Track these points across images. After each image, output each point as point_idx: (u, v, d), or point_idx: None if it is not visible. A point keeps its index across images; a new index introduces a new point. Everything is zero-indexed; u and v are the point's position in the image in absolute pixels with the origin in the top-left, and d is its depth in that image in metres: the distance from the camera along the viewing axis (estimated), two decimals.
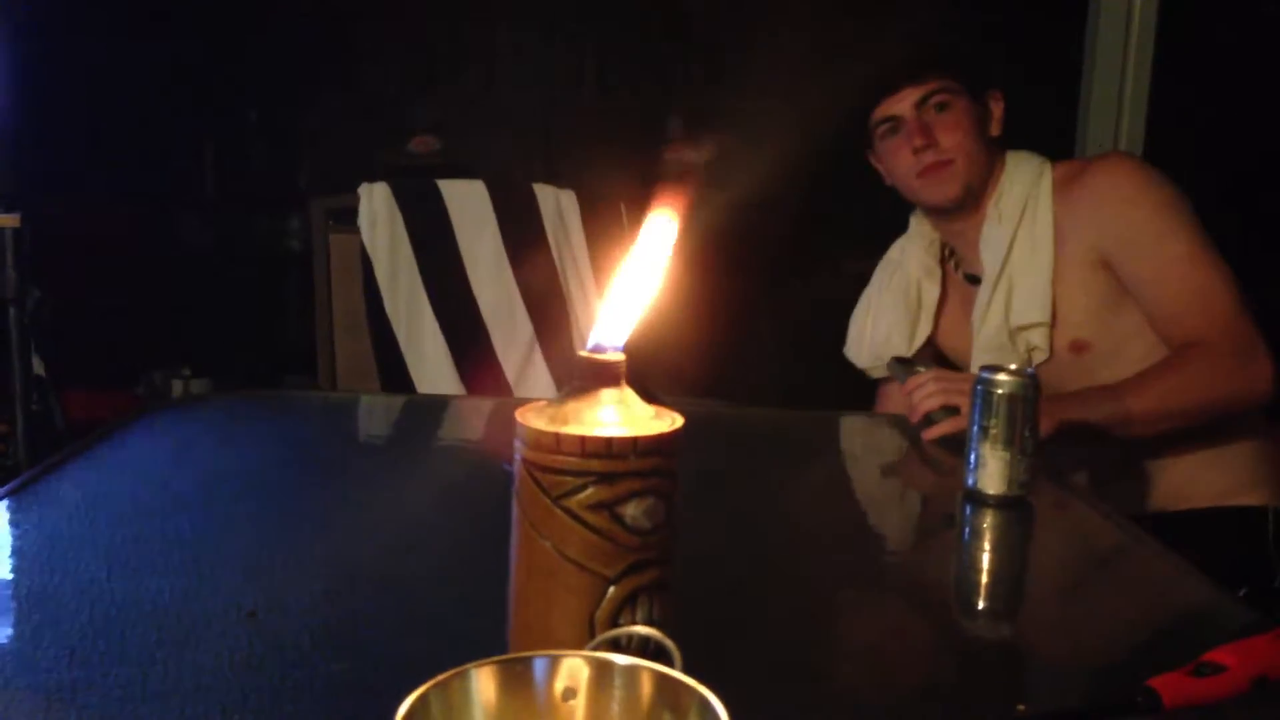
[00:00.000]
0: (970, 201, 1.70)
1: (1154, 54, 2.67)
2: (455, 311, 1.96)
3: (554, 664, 0.59)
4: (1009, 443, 1.17)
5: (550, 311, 1.97)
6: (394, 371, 1.94)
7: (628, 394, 0.65)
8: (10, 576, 1.01)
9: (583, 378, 0.64)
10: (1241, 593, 1.47)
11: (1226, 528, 1.61)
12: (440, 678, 0.56)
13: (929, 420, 1.43)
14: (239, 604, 0.89)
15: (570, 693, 0.58)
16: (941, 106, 1.67)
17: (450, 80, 2.91)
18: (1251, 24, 2.67)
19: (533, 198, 2.02)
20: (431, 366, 1.94)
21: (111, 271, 2.82)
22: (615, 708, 0.58)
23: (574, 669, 0.59)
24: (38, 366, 2.53)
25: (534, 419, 0.64)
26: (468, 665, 0.56)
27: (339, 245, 2.03)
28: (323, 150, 2.85)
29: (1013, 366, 1.20)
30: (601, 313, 0.66)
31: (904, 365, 1.61)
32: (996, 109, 1.73)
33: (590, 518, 0.63)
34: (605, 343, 0.65)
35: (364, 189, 1.98)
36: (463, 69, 2.90)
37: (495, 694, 0.57)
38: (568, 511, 0.63)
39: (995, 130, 1.73)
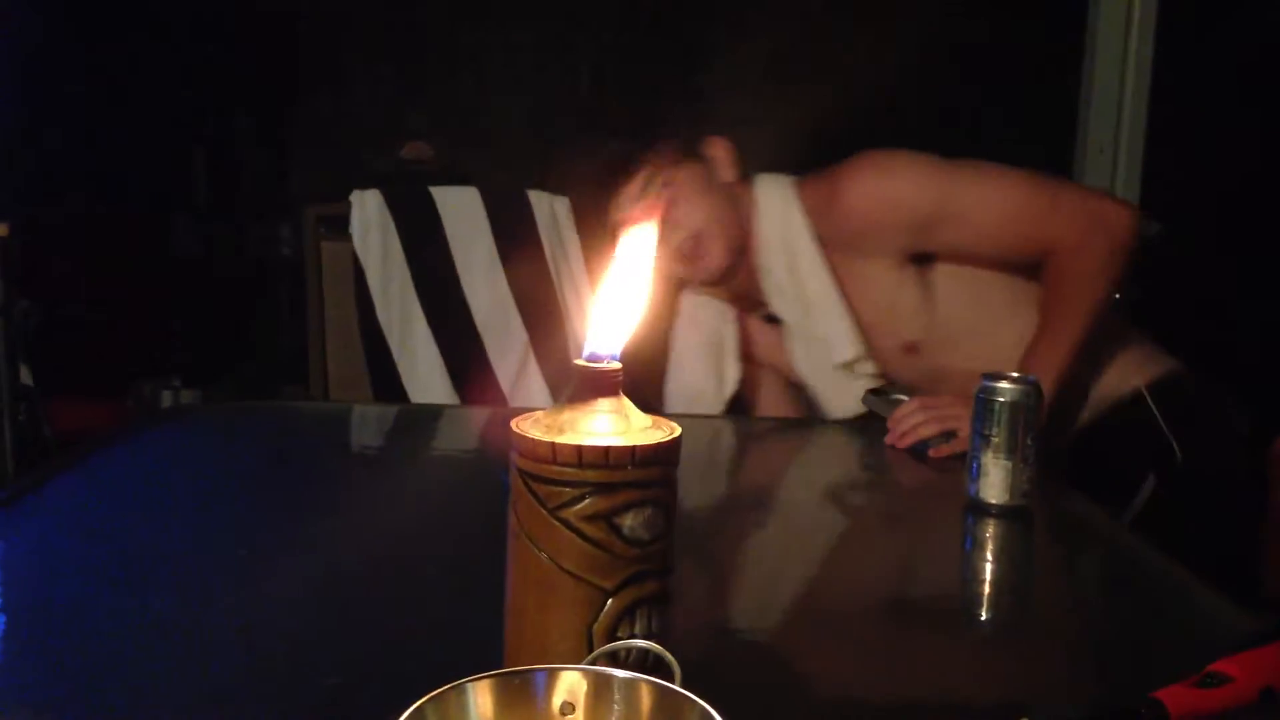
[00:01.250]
0: (735, 259, 1.64)
1: (1153, 49, 2.67)
2: (449, 319, 1.94)
3: (552, 677, 0.58)
4: (1011, 451, 1.16)
5: (545, 319, 1.95)
6: (387, 380, 1.92)
7: (625, 403, 0.64)
8: None
9: (579, 387, 0.63)
10: (1150, 480, 1.46)
11: (1117, 432, 1.58)
12: (436, 692, 0.54)
13: (924, 444, 1.42)
14: (231, 617, 0.87)
15: (569, 707, 0.57)
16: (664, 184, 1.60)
17: (442, 85, 2.90)
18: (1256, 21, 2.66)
19: (527, 204, 2.01)
20: (425, 375, 1.92)
21: (100, 280, 2.81)
22: None
23: (572, 683, 0.58)
24: (25, 376, 2.51)
25: (530, 428, 0.63)
26: (464, 680, 0.55)
27: (330, 253, 2.02)
28: (313, 157, 2.84)
29: (1014, 374, 1.19)
30: (595, 321, 0.65)
31: (880, 396, 1.59)
32: (717, 152, 1.66)
33: (588, 529, 0.61)
34: (601, 352, 0.64)
35: (356, 196, 1.97)
36: (455, 74, 2.89)
37: (492, 708, 0.56)
38: (565, 523, 0.62)
39: (728, 175, 1.66)
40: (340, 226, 1.98)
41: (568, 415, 0.63)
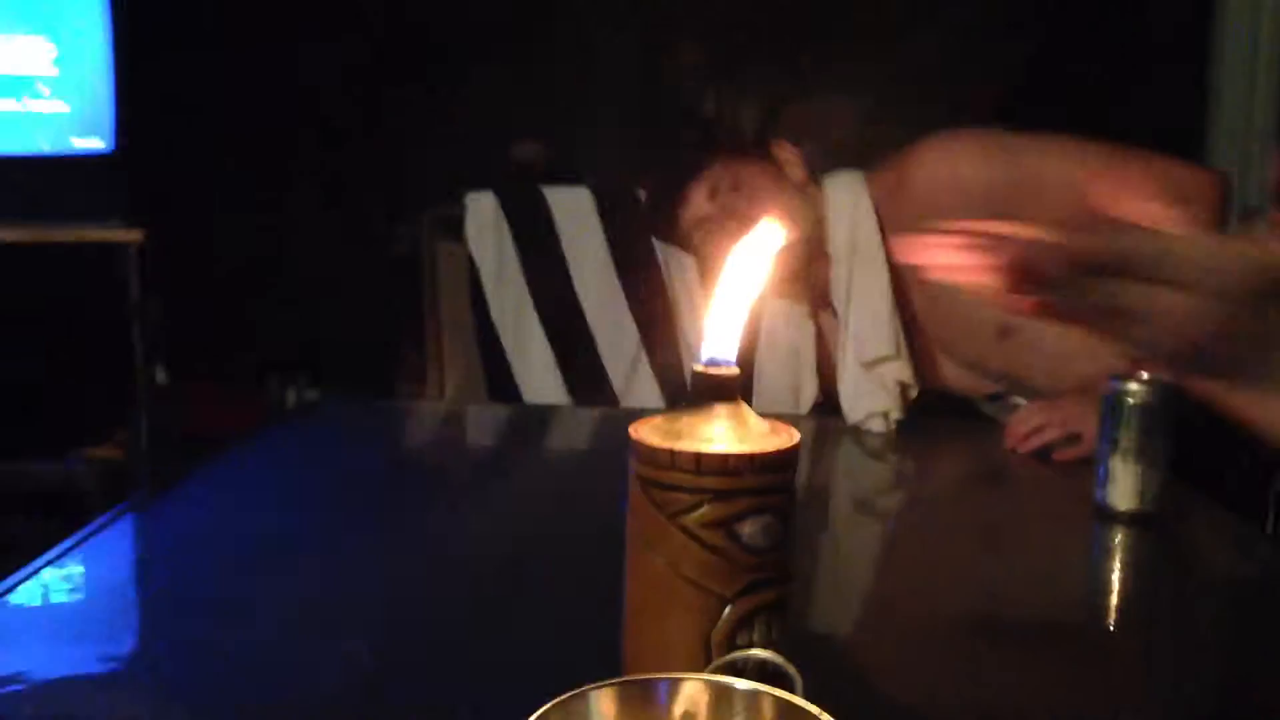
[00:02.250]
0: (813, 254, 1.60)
1: None
2: (561, 319, 1.96)
3: (674, 687, 0.58)
4: (1140, 455, 1.11)
5: (657, 318, 1.95)
6: (501, 380, 1.95)
7: (743, 409, 0.63)
8: (135, 581, 1.04)
9: (697, 392, 0.63)
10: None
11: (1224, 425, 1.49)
12: (560, 699, 0.55)
13: (1047, 449, 1.37)
14: (363, 613, 0.90)
15: (690, 717, 0.57)
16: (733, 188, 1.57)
17: (551, 84, 2.92)
18: None
19: (637, 203, 2.01)
20: (538, 375, 1.94)
21: (227, 281, 2.91)
22: None
23: (693, 693, 0.57)
24: (160, 376, 2.62)
25: (649, 435, 0.63)
26: (587, 686, 0.55)
27: (446, 254, 2.05)
28: (424, 156, 2.90)
29: (1145, 375, 1.14)
30: (711, 325, 0.64)
31: (997, 401, 1.54)
32: (785, 154, 1.63)
33: (706, 536, 0.61)
34: (719, 357, 0.64)
35: (470, 199, 2.00)
36: (564, 72, 2.92)
37: (615, 716, 0.56)
38: (683, 529, 0.61)
39: (797, 175, 1.62)
40: (455, 228, 2.01)
41: (686, 421, 0.63)
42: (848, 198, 1.60)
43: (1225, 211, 1.46)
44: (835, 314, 1.64)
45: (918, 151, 1.57)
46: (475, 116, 2.90)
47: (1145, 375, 1.14)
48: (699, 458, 0.60)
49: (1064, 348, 1.51)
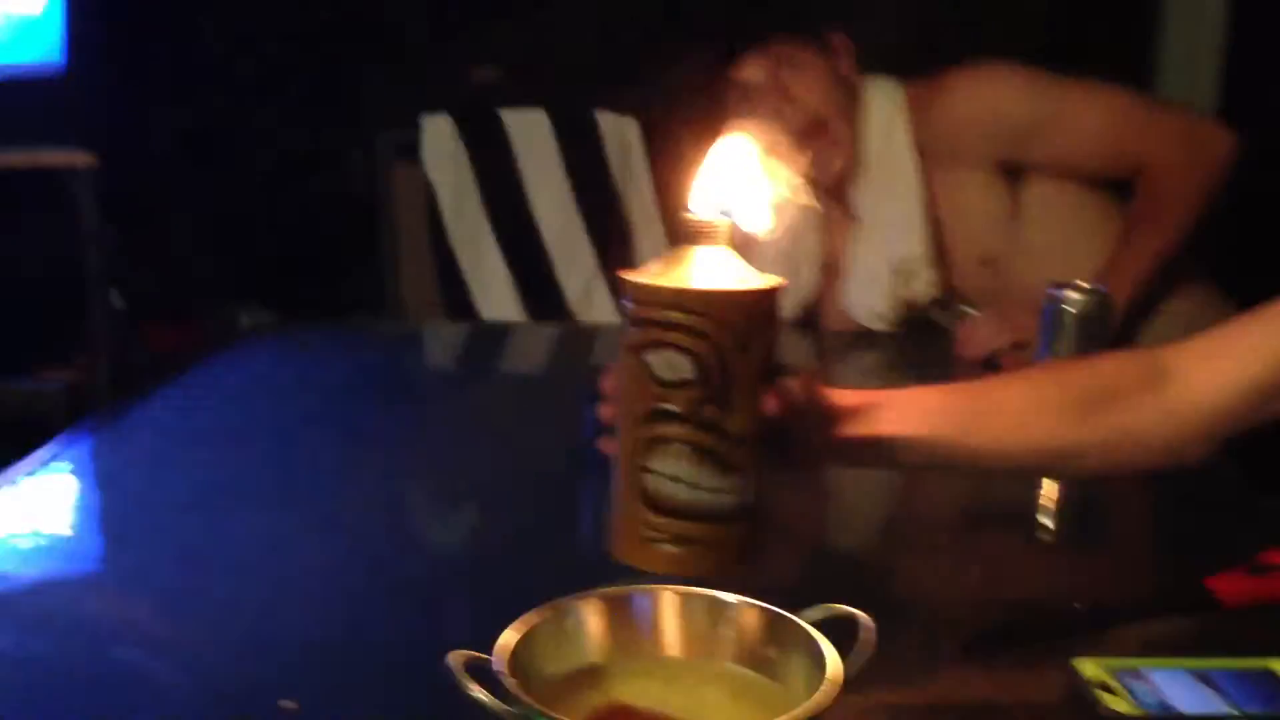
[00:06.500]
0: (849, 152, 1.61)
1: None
2: (518, 239, 1.97)
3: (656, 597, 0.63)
4: None
5: (612, 237, 1.97)
6: (459, 299, 1.97)
7: (727, 257, 0.65)
8: (99, 499, 1.06)
9: (681, 237, 0.65)
10: None
11: None
12: (551, 604, 0.59)
13: (995, 356, 1.41)
14: (315, 536, 0.91)
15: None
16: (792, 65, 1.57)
17: (508, 7, 2.88)
18: None
19: (594, 125, 2.02)
20: (495, 293, 1.96)
21: (181, 208, 2.88)
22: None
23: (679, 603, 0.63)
24: (117, 301, 2.60)
25: (637, 273, 0.65)
26: (575, 596, 0.60)
27: (403, 177, 2.05)
28: (380, 82, 2.86)
29: (1084, 284, 1.17)
30: (704, 173, 0.66)
31: (945, 309, 1.58)
32: (840, 44, 1.63)
33: (625, 357, 0.65)
34: (710, 206, 0.66)
35: (427, 121, 1.99)
36: None
37: (600, 622, 0.62)
38: (623, 349, 0.65)
39: (846, 69, 1.63)
40: (412, 152, 2.01)
41: (679, 260, 0.65)
42: (887, 105, 1.62)
43: (1229, 169, 1.51)
44: (850, 213, 1.66)
45: (957, 76, 1.59)
46: (432, 37, 2.87)
47: (1084, 285, 1.17)
48: (630, 284, 0.64)
49: (1037, 285, 1.54)
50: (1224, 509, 0.99)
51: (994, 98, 1.57)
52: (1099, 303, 1.16)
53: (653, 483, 0.64)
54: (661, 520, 0.64)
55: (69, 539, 0.93)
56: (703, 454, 0.63)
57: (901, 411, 0.72)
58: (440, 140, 1.99)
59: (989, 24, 2.61)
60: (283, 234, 2.89)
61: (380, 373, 1.49)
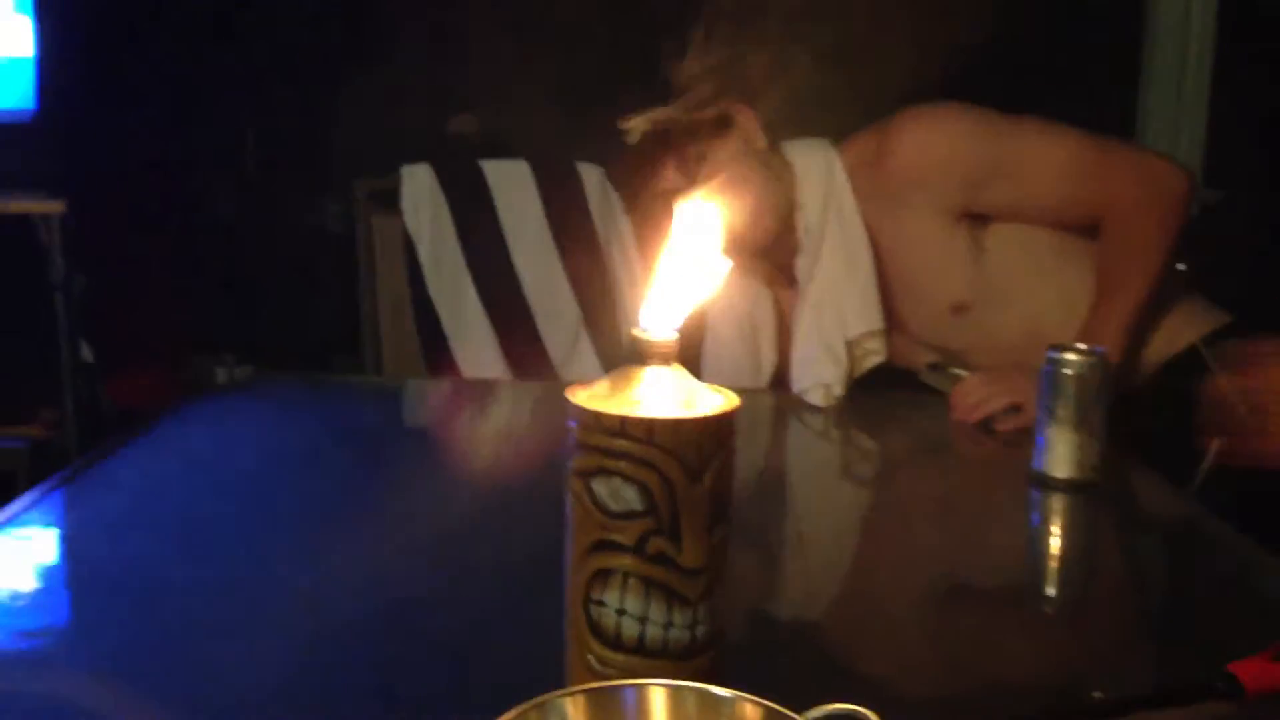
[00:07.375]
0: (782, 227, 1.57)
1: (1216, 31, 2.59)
2: (500, 293, 1.93)
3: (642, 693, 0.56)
4: (1078, 425, 1.13)
5: (597, 292, 1.94)
6: (439, 355, 1.92)
7: (677, 375, 0.62)
8: (66, 560, 1.01)
9: (632, 355, 0.63)
10: (1215, 444, 1.41)
11: (1175, 396, 1.51)
12: (533, 702, 0.53)
13: (990, 419, 1.39)
14: (293, 591, 0.88)
15: None
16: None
17: (486, 57, 2.88)
18: None
19: (576, 176, 1.99)
20: (477, 349, 1.91)
21: (153, 257, 2.83)
22: None
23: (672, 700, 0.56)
24: (85, 352, 2.55)
25: (583, 392, 0.63)
26: (557, 693, 0.54)
27: (381, 227, 2.02)
28: (358, 131, 2.84)
29: (1081, 346, 1.16)
30: (651, 294, 0.64)
31: (939, 371, 1.55)
32: (743, 119, 1.57)
33: (572, 484, 0.62)
34: (659, 322, 0.63)
35: (406, 171, 1.96)
36: (501, 45, 2.87)
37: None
38: (569, 474, 0.62)
39: (759, 143, 1.58)
40: (390, 201, 1.97)
41: (624, 380, 0.62)
42: (820, 167, 1.57)
43: (1189, 206, 1.49)
44: (794, 285, 1.63)
45: (901, 122, 1.54)
46: (407, 90, 2.85)
47: (1081, 347, 1.16)
48: (573, 408, 0.61)
49: (1010, 327, 1.52)
50: (1249, 590, 0.97)
51: (939, 143, 1.52)
52: (1097, 363, 1.15)
53: (600, 615, 0.60)
54: (609, 654, 0.60)
55: (31, 596, 0.89)
56: (652, 587, 0.60)
57: None
58: (419, 189, 1.96)
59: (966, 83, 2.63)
60: (258, 284, 2.85)
61: (354, 430, 1.45)
